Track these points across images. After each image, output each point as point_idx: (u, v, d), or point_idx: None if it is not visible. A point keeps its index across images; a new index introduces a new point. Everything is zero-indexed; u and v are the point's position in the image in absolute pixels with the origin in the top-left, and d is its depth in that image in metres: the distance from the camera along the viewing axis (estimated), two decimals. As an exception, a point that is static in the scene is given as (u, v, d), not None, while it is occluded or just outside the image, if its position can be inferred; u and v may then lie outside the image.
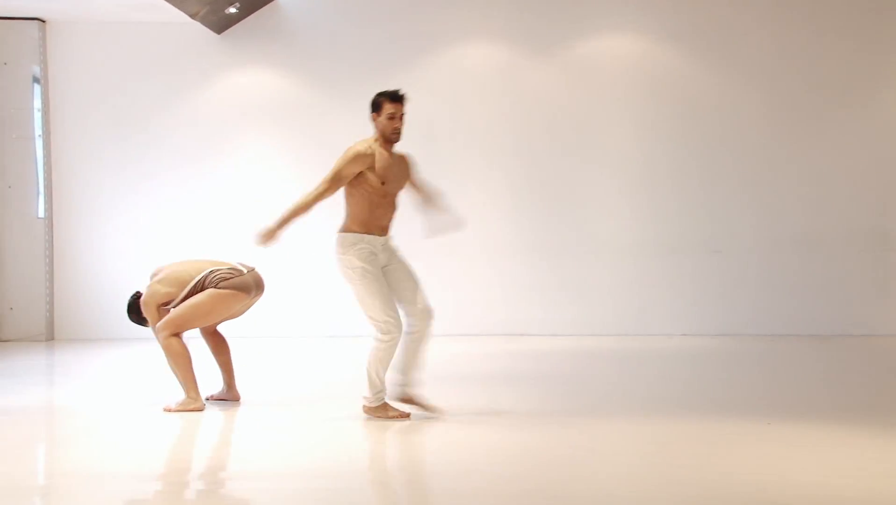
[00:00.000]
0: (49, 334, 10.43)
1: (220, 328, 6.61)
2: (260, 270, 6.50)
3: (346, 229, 5.78)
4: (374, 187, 5.75)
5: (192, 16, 9.90)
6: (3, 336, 10.36)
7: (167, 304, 6.25)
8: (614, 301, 10.49)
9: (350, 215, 5.80)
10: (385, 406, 5.81)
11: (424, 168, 10.97)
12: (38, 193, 10.43)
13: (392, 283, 5.79)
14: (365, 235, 5.74)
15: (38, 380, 8.17)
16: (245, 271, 6.35)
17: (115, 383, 7.65)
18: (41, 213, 10.43)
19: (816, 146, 10.42)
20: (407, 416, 5.82)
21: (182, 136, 10.60)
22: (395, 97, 5.87)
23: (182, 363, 6.18)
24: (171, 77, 10.60)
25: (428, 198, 6.16)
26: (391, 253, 5.87)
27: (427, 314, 5.82)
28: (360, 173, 5.74)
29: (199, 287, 6.20)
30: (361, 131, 10.52)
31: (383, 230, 5.81)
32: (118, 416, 6.20)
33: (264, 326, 10.45)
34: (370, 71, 10.59)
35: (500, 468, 4.82)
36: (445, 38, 10.60)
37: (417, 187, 6.15)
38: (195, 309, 6.18)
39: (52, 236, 10.52)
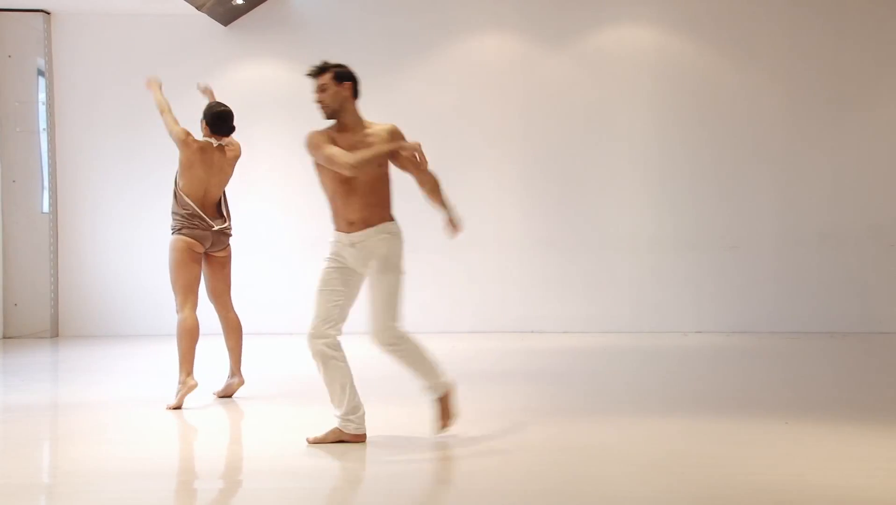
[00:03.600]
0: (54, 331, 10.44)
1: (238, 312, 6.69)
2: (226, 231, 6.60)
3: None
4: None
5: (199, 7, 9.89)
6: (8, 333, 10.37)
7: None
8: (630, 297, 10.46)
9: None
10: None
11: (435, 161, 10.99)
12: (42, 188, 10.44)
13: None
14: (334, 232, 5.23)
15: (43, 377, 8.18)
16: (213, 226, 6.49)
17: (120, 381, 7.66)
18: (45, 208, 10.44)
19: (835, 141, 10.36)
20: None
21: (189, 129, 10.57)
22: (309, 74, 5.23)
23: (182, 342, 6.29)
24: (177, 70, 10.57)
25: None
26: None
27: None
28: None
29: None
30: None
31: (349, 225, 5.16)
32: (123, 413, 6.21)
33: (272, 323, 10.46)
34: (380, 63, 10.57)
35: (514, 467, 4.81)
36: (457, 29, 10.58)
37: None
38: (169, 265, 6.45)
39: (57, 232, 10.53)
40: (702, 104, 10.46)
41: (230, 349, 6.60)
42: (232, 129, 6.72)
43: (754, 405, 6.30)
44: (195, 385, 6.24)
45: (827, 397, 6.74)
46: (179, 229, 6.47)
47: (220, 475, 4.90)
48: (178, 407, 6.19)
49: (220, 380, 6.73)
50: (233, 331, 6.60)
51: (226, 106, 6.73)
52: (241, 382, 6.61)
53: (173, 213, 6.56)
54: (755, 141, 10.42)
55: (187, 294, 6.36)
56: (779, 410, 6.04)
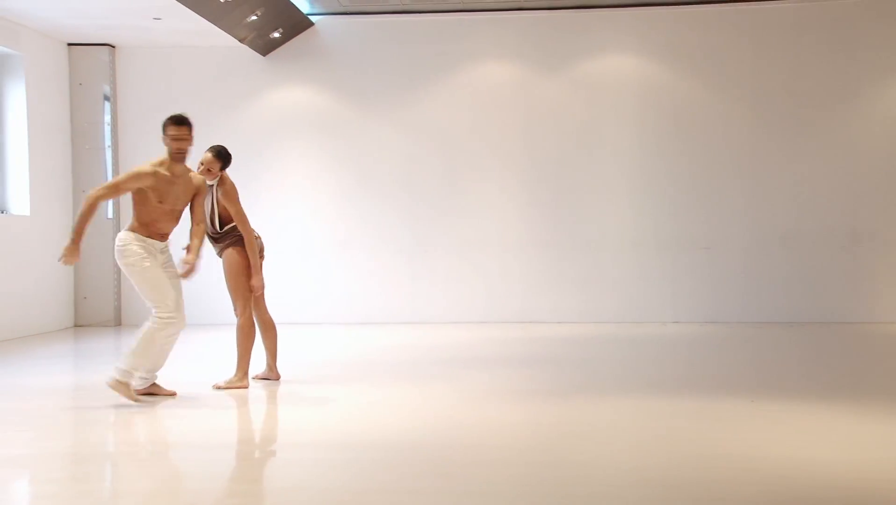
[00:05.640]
0: (117, 320, 10.52)
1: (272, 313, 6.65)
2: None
3: (131, 229, 5.82)
4: (153, 202, 5.75)
5: (241, 40, 9.94)
6: (79, 322, 10.47)
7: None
8: (616, 292, 10.46)
9: (136, 218, 5.84)
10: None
11: (447, 172, 11.04)
12: (107, 197, 10.49)
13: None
14: (146, 238, 5.77)
15: (109, 360, 8.21)
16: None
17: (172, 363, 7.68)
18: (110, 215, 10.52)
19: (796, 155, 10.34)
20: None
21: (231, 147, 10.56)
22: (178, 121, 5.74)
23: (247, 342, 6.26)
24: (222, 94, 10.66)
25: (194, 229, 5.92)
26: (167, 258, 5.84)
27: (181, 319, 5.77)
28: (141, 189, 5.73)
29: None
30: (391, 140, 10.63)
31: (163, 237, 5.84)
32: (175, 392, 6.24)
33: (305, 314, 10.50)
34: (399, 87, 10.61)
35: (517, 440, 4.82)
36: (466, 58, 10.59)
37: (193, 210, 5.95)
38: (233, 274, 6.38)
39: (120, 235, 10.59)
40: (679, 122, 10.45)
41: (268, 347, 6.52)
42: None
43: (724, 386, 6.30)
44: (247, 386, 6.26)
45: (787, 379, 6.73)
46: (235, 244, 6.40)
47: (256, 446, 4.93)
48: (222, 389, 6.23)
49: (259, 365, 6.75)
50: (268, 330, 6.52)
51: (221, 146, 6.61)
52: (278, 378, 6.59)
53: (229, 229, 6.48)
54: (726, 155, 10.41)
55: (249, 299, 6.36)
56: (745, 390, 6.04)
